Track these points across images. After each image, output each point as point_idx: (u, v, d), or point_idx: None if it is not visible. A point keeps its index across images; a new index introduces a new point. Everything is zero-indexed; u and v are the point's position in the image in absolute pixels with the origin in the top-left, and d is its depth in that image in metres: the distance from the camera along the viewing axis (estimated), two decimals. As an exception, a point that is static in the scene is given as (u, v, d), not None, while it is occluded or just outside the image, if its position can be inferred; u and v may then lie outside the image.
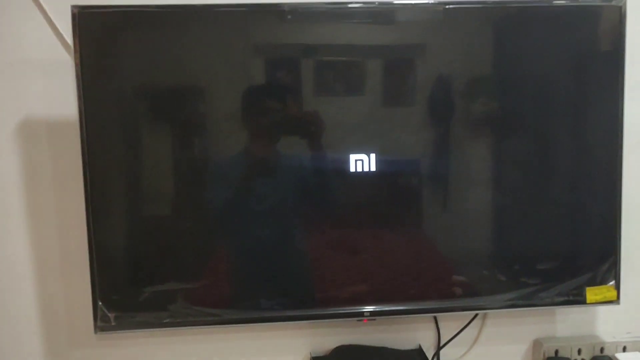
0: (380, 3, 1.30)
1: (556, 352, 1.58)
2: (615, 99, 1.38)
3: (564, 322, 1.62)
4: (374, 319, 1.40)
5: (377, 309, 1.38)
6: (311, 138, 1.31)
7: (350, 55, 1.32)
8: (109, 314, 1.31)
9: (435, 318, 1.56)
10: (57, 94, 1.38)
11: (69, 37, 1.32)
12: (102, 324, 1.31)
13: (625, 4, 1.34)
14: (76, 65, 1.24)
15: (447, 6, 1.29)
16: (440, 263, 1.40)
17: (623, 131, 1.38)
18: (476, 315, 1.55)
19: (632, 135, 1.51)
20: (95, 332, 1.31)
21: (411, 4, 1.30)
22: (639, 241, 1.59)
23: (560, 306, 1.49)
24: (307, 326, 1.53)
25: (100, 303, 1.30)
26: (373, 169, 1.32)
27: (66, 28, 1.30)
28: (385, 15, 1.31)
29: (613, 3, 1.34)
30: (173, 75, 1.28)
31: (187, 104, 1.30)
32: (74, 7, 1.22)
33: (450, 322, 1.57)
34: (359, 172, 1.32)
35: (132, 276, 1.33)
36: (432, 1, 1.29)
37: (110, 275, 1.30)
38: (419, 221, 1.42)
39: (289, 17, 1.26)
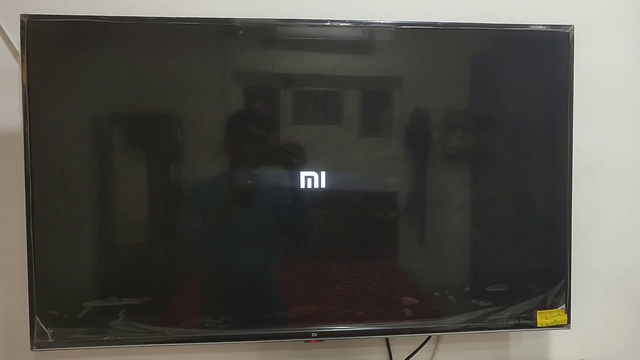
0: (332, 22, 1.31)
1: (509, 377, 1.57)
2: (564, 125, 1.40)
3: (518, 347, 1.61)
4: (322, 340, 1.37)
5: (325, 330, 1.35)
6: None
7: (315, 80, 1.34)
8: (47, 330, 1.26)
9: (387, 341, 1.54)
10: (4, 103, 1.36)
11: (18, 46, 1.30)
12: (38, 340, 1.26)
13: (572, 30, 1.37)
14: (23, 74, 1.22)
15: (398, 27, 1.31)
16: (391, 284, 1.39)
17: (572, 157, 1.40)
18: (428, 338, 1.53)
19: (581, 160, 1.53)
20: (32, 348, 1.27)
21: (363, 22, 1.31)
22: (589, 265, 1.60)
23: (512, 330, 1.47)
24: (254, 347, 1.49)
25: (37, 318, 1.26)
26: (323, 185, 1.32)
27: (16, 36, 1.28)
28: (335, 35, 1.32)
29: (560, 29, 1.37)
30: (120, 90, 1.27)
31: (133, 121, 1.29)
32: (23, 15, 1.21)
33: (402, 346, 1.55)
34: (311, 190, 1.32)
35: (72, 290, 1.28)
36: (384, 21, 1.31)
37: (49, 289, 1.26)
38: (372, 243, 1.41)
39: (240, 32, 1.27)
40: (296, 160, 1.30)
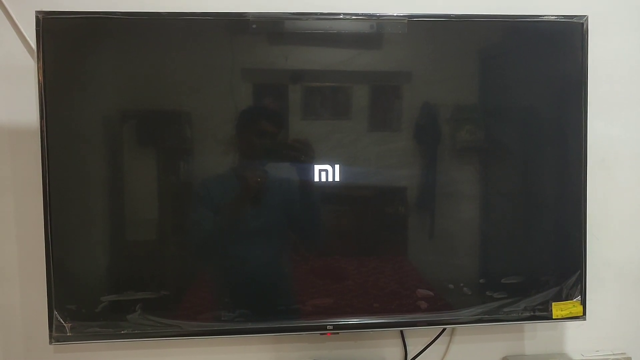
0: (345, 14, 1.31)
1: (524, 370, 1.57)
2: (579, 117, 1.39)
3: (533, 339, 1.61)
4: (337, 333, 1.38)
5: (341, 322, 1.36)
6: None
7: (329, 74, 1.34)
8: (65, 324, 1.28)
9: (402, 333, 1.54)
10: (21, 100, 1.37)
11: (34, 43, 1.31)
12: (57, 334, 1.28)
13: (587, 20, 1.36)
14: (39, 71, 1.23)
15: (411, 19, 1.31)
16: (406, 276, 1.39)
17: (587, 148, 1.39)
18: (443, 330, 1.53)
19: (596, 152, 1.52)
20: (50, 342, 1.28)
21: (376, 15, 1.31)
22: (604, 257, 1.59)
23: (527, 322, 1.47)
24: (271, 340, 1.50)
25: (56, 312, 1.27)
26: (337, 179, 1.32)
27: (32, 33, 1.29)
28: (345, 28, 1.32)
29: (574, 20, 1.36)
30: (135, 86, 1.28)
31: (148, 117, 1.30)
32: (38, 12, 1.22)
33: (417, 338, 1.55)
34: (323, 183, 1.32)
35: (89, 285, 1.30)
36: (396, 14, 1.31)
37: (67, 283, 1.28)
38: (386, 236, 1.41)
39: (254, 26, 1.27)
40: (304, 157, 1.31)
